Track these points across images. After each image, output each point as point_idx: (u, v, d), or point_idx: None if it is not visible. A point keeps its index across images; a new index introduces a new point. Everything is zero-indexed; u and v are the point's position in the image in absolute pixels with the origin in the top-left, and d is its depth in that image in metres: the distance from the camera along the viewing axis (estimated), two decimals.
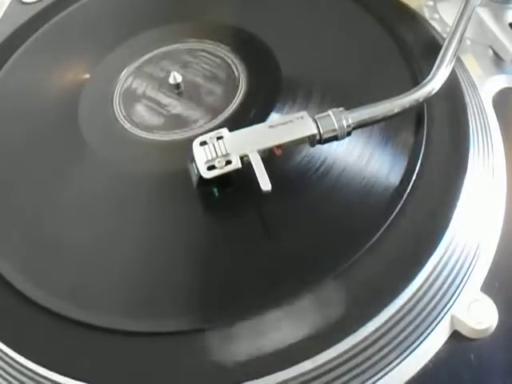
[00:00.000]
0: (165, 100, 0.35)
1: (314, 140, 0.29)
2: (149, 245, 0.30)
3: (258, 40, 0.37)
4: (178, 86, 0.35)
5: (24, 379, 0.27)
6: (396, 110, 0.30)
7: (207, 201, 0.30)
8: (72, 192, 0.32)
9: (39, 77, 0.39)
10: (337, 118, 0.29)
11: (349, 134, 0.29)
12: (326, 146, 0.30)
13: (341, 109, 0.29)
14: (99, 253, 0.30)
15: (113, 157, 0.33)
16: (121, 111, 0.35)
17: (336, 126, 0.28)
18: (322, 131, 0.28)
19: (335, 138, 0.29)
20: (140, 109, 0.35)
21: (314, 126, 0.28)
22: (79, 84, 0.37)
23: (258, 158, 0.27)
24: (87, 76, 0.38)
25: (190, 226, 0.30)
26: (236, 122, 0.31)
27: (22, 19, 0.43)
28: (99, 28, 0.42)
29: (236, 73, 0.36)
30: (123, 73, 0.37)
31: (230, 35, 0.38)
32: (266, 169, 0.27)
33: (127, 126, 0.34)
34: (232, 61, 0.36)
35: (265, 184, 0.27)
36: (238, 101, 0.34)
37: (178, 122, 0.34)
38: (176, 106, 0.35)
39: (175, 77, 0.35)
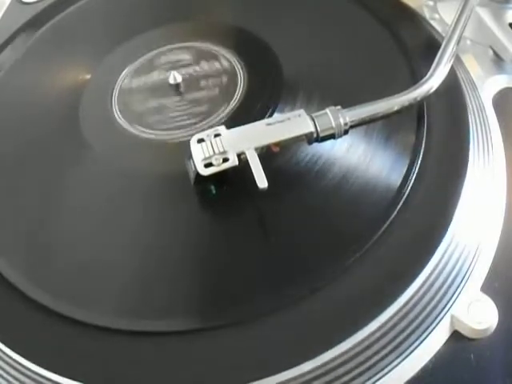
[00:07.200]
0: (165, 100, 0.35)
1: (311, 138, 0.29)
2: (149, 244, 0.29)
3: (259, 40, 0.37)
4: (177, 85, 0.35)
5: (24, 379, 0.27)
6: (394, 109, 0.30)
7: (205, 198, 0.30)
8: (72, 192, 0.32)
9: (40, 77, 0.39)
10: (334, 117, 0.28)
11: (346, 132, 0.29)
12: (326, 146, 0.30)
13: (338, 107, 0.29)
14: (99, 252, 0.30)
15: (113, 156, 0.33)
16: (121, 111, 0.35)
17: (333, 125, 0.28)
18: (319, 129, 0.28)
19: (332, 137, 0.29)
20: (140, 108, 0.35)
21: (311, 124, 0.28)
22: (80, 84, 0.37)
23: (255, 155, 0.27)
24: (88, 76, 0.38)
25: (187, 223, 0.30)
26: (237, 122, 0.31)
27: (22, 19, 0.43)
28: (100, 28, 0.42)
29: (237, 73, 0.36)
30: (123, 72, 0.37)
31: (231, 35, 0.38)
32: (263, 167, 0.27)
33: (127, 125, 0.34)
34: (233, 61, 0.36)
35: (261, 181, 0.27)
36: (238, 101, 0.34)
37: (177, 121, 0.34)
38: (176, 106, 0.35)
39: (175, 77, 0.35)
